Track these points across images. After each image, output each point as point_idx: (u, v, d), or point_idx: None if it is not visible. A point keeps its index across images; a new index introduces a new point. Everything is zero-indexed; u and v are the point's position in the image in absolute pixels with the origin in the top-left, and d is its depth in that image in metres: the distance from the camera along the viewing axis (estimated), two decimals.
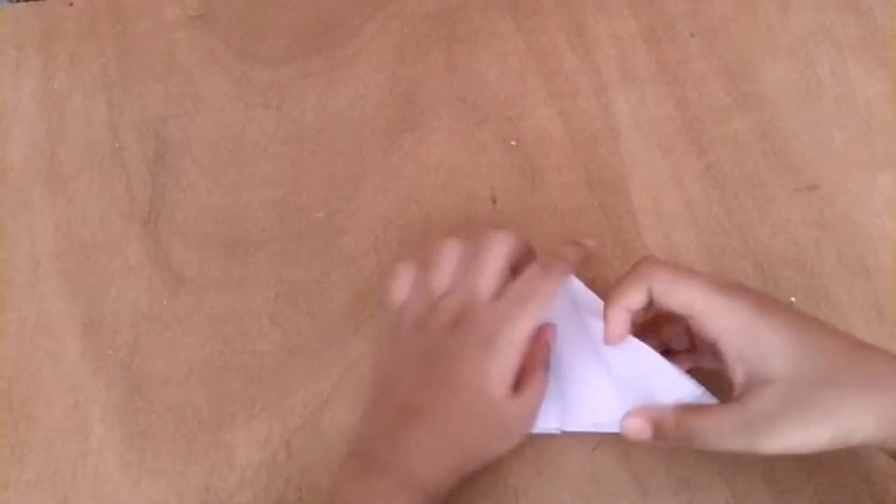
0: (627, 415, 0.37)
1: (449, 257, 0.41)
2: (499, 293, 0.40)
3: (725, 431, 0.33)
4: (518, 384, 0.39)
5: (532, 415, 0.40)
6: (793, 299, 0.45)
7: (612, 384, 0.40)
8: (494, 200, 0.50)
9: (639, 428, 0.36)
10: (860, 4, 0.56)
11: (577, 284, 0.43)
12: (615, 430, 0.38)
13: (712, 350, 0.36)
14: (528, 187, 0.50)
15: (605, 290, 0.39)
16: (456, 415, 0.37)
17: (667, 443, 0.36)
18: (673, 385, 0.38)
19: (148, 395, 0.45)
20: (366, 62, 0.56)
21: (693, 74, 0.54)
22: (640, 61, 0.55)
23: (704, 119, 0.52)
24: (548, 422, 0.41)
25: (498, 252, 0.41)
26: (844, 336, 0.34)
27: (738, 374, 0.34)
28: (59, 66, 0.57)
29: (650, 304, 0.37)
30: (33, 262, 0.49)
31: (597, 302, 0.42)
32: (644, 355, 0.39)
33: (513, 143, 0.52)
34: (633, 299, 0.37)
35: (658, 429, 0.36)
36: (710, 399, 0.38)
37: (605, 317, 0.38)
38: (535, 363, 0.40)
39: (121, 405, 0.44)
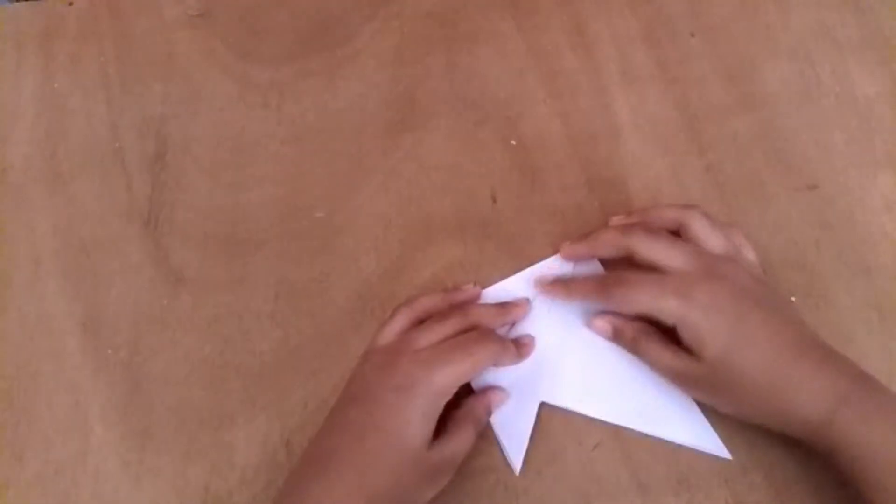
0: (596, 316, 0.44)
1: (400, 319, 0.43)
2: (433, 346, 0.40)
3: (660, 362, 0.41)
4: (442, 433, 0.39)
5: (451, 465, 0.39)
6: (793, 298, 0.45)
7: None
8: (494, 200, 0.50)
9: (602, 327, 0.43)
10: (860, 4, 0.56)
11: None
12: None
13: None
14: (528, 187, 0.50)
15: None
16: (363, 459, 0.36)
17: (619, 342, 0.43)
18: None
19: (148, 395, 0.45)
20: (366, 62, 0.56)
21: (693, 74, 0.54)
22: (640, 61, 0.55)
23: (704, 119, 0.52)
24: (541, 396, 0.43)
25: (449, 323, 0.41)
26: (779, 343, 0.38)
27: (684, 338, 0.40)
28: (59, 66, 0.57)
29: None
30: (33, 262, 0.49)
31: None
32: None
33: (513, 142, 0.52)
34: (605, 250, 0.44)
35: (616, 334, 0.43)
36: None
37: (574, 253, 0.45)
38: (468, 417, 0.40)
39: (121, 405, 0.44)
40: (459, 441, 0.39)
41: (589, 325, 0.44)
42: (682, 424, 0.42)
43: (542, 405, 0.43)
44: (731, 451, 0.41)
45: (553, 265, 0.46)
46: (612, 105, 0.53)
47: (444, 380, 0.38)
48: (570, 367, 0.43)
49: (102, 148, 0.53)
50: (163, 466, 0.43)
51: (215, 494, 0.42)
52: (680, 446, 0.42)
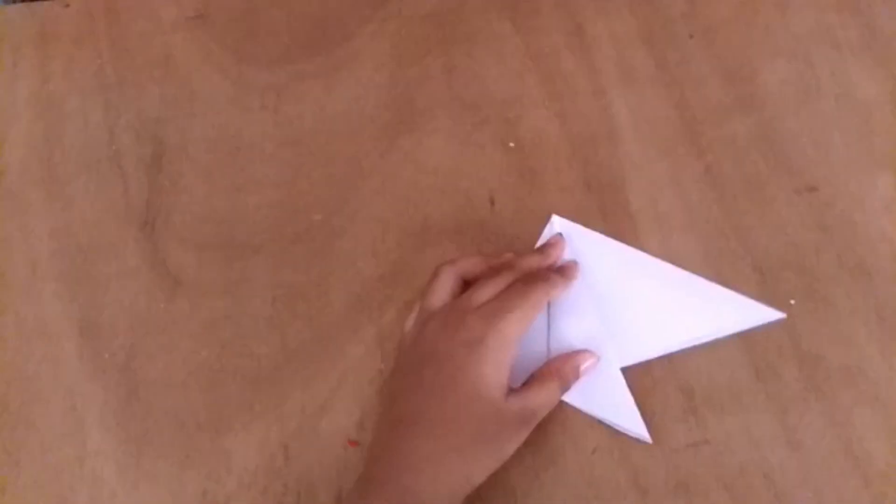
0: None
1: (446, 279, 0.43)
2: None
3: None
4: (523, 386, 0.40)
5: (531, 417, 0.40)
6: (792, 301, 0.45)
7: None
8: (493, 202, 0.50)
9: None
10: (860, 4, 0.56)
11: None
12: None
13: None
14: (527, 189, 0.50)
15: None
16: (448, 417, 0.37)
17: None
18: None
19: (145, 399, 0.44)
20: (364, 64, 0.56)
21: (692, 75, 0.54)
22: (639, 62, 0.55)
23: (703, 120, 0.52)
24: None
25: (499, 279, 0.42)
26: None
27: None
28: (56, 68, 0.56)
29: None
30: (30, 266, 0.49)
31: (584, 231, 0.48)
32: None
33: (511, 144, 0.52)
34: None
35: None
36: None
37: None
38: (551, 373, 0.41)
39: (118, 409, 0.44)
40: (540, 394, 0.40)
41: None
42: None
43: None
44: (730, 454, 0.41)
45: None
46: (610, 107, 0.53)
47: (510, 327, 0.39)
48: (619, 319, 0.44)
49: (99, 151, 0.53)
50: (160, 471, 0.42)
51: (213, 499, 0.42)
52: (676, 449, 0.41)
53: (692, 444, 0.42)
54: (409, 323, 0.43)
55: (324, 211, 0.50)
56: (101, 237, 0.50)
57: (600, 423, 0.42)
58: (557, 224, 0.48)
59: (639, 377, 0.43)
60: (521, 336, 0.40)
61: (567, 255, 0.47)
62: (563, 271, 0.45)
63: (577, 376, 0.42)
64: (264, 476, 0.42)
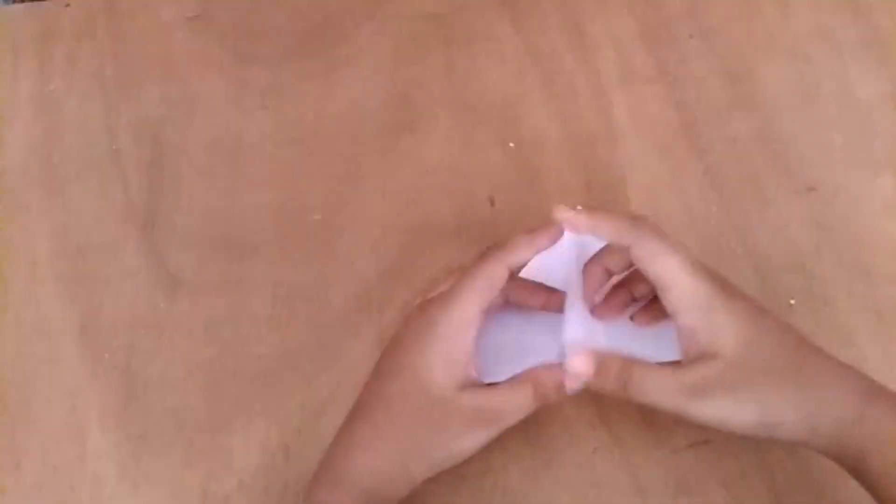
0: (573, 351, 0.37)
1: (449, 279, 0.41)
2: None
3: (663, 388, 0.35)
4: (493, 384, 0.37)
5: (492, 418, 0.36)
6: (792, 301, 0.45)
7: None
8: (493, 202, 0.50)
9: (584, 365, 0.36)
10: (860, 5, 0.56)
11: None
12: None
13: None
14: (527, 189, 0.50)
15: None
16: (389, 403, 0.36)
17: (603, 386, 0.36)
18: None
19: (145, 399, 0.44)
20: (364, 64, 0.56)
21: (692, 75, 0.54)
22: (639, 62, 0.55)
23: (703, 120, 0.52)
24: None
25: (473, 267, 0.39)
26: (795, 334, 0.36)
27: (689, 346, 0.36)
28: (56, 68, 0.56)
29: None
30: (30, 266, 0.49)
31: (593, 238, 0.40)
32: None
33: (511, 144, 0.52)
34: (612, 261, 0.39)
35: (601, 370, 0.36)
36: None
37: (585, 272, 0.40)
38: (527, 377, 0.37)
39: (118, 409, 0.44)
40: (507, 395, 0.36)
41: (566, 364, 0.37)
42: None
43: None
44: (730, 454, 0.41)
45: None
46: (610, 107, 0.53)
47: (461, 309, 0.36)
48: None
49: (99, 151, 0.53)
50: (160, 471, 0.42)
51: (213, 499, 0.42)
52: (676, 449, 0.41)
53: (692, 444, 0.42)
54: None
55: (323, 211, 0.50)
56: (101, 237, 0.50)
57: (601, 423, 0.42)
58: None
59: None
60: (476, 318, 0.36)
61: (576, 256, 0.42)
62: (534, 230, 0.38)
63: (557, 391, 0.37)
64: (265, 475, 0.42)
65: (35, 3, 0.60)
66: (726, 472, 0.41)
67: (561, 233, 0.38)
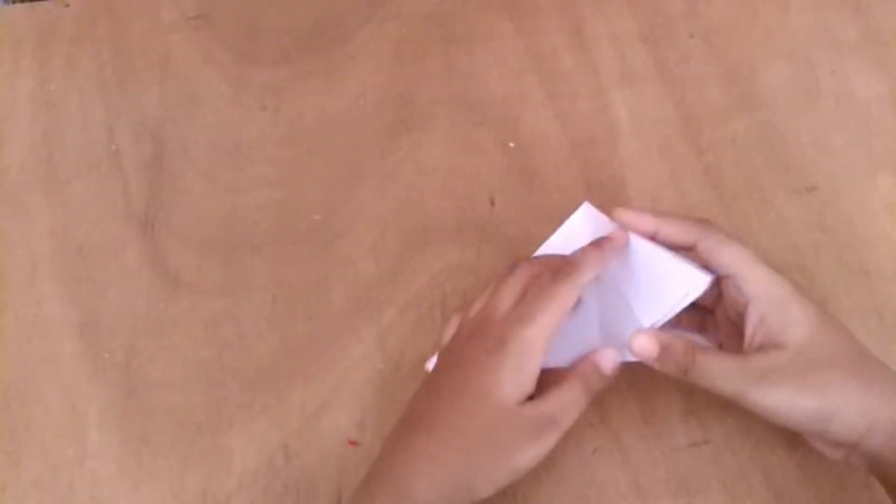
0: (638, 332, 0.37)
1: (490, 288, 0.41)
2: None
3: (724, 372, 0.36)
4: (542, 392, 0.37)
5: (549, 424, 0.36)
6: None
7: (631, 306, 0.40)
8: (493, 202, 0.50)
9: (648, 347, 0.37)
10: (860, 5, 0.56)
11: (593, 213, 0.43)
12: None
13: (736, 312, 0.38)
14: (527, 189, 0.50)
15: None
16: (454, 420, 0.36)
17: (667, 367, 0.37)
18: (685, 278, 0.38)
19: (145, 399, 0.44)
20: (363, 63, 0.56)
21: (692, 75, 0.54)
22: (639, 62, 0.55)
23: (703, 120, 0.52)
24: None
25: (519, 273, 0.40)
26: (856, 339, 0.37)
27: (755, 333, 0.37)
28: (56, 68, 0.56)
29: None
30: (30, 266, 0.49)
31: (611, 225, 0.41)
32: (654, 255, 0.39)
33: (511, 144, 0.52)
34: (676, 233, 0.39)
35: (665, 352, 0.37)
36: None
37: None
38: (573, 375, 0.38)
39: (118, 409, 0.44)
40: (560, 398, 0.37)
41: (628, 343, 0.38)
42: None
43: None
44: (730, 454, 0.41)
45: (576, 223, 0.43)
46: (610, 106, 0.53)
47: (534, 331, 0.36)
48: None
49: (99, 150, 0.53)
50: (160, 471, 0.42)
51: (213, 499, 0.42)
52: (676, 449, 0.41)
53: (692, 444, 0.42)
54: (446, 334, 0.42)
55: (323, 211, 0.50)
56: (101, 237, 0.50)
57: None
58: (586, 212, 0.43)
59: (639, 377, 0.43)
60: (548, 340, 0.37)
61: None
62: (602, 244, 0.39)
63: (600, 375, 0.38)
64: (264, 476, 0.42)
65: (35, 3, 0.60)
66: (726, 472, 0.41)
67: (627, 240, 0.40)
